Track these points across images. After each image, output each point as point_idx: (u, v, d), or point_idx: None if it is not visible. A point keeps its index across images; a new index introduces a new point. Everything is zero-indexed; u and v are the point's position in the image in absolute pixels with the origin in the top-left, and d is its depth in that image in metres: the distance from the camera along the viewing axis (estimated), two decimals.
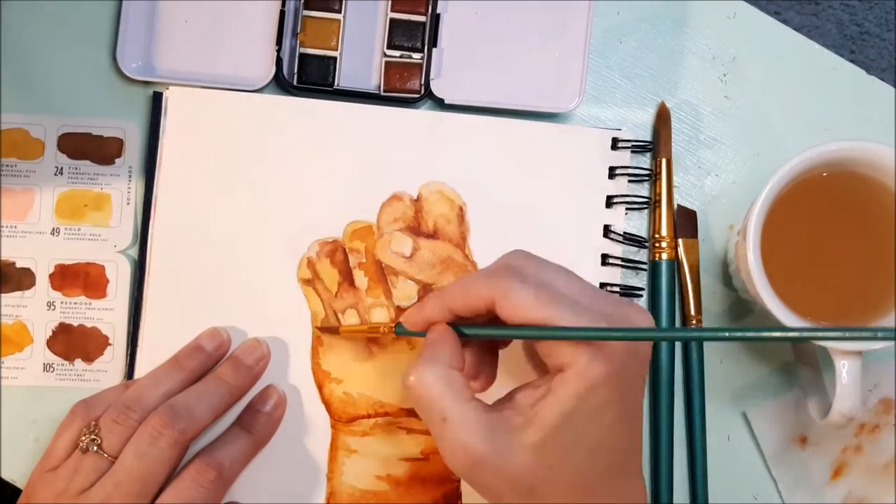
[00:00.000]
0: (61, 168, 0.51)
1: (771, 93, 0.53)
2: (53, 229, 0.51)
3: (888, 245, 0.47)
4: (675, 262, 0.52)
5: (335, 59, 0.52)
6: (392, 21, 0.52)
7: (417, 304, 0.43)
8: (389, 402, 0.50)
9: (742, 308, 0.52)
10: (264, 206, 0.50)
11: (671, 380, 0.51)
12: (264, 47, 0.51)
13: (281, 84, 0.52)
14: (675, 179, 0.53)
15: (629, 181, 0.51)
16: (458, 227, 0.51)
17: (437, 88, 0.51)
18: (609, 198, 0.51)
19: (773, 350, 0.52)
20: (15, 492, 0.49)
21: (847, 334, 0.35)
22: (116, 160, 0.52)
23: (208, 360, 0.48)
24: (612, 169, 0.51)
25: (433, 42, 0.52)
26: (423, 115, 0.51)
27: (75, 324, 0.51)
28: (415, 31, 0.52)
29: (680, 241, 0.52)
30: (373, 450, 0.49)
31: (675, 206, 0.52)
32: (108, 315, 0.51)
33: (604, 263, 0.51)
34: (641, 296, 0.52)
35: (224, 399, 0.47)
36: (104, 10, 0.52)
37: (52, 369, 0.51)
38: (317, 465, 0.49)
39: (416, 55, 0.52)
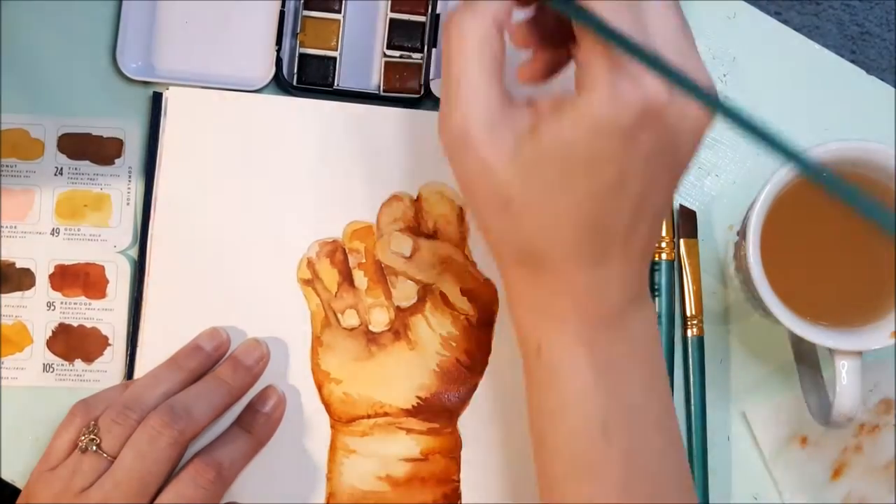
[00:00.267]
0: (61, 168, 0.51)
1: (771, 93, 0.53)
2: (53, 229, 0.51)
3: (888, 245, 0.47)
4: (674, 263, 0.52)
5: (335, 59, 0.52)
6: (392, 21, 0.52)
7: None
8: (389, 403, 0.50)
9: (742, 308, 0.52)
10: (264, 206, 0.50)
11: (671, 380, 0.51)
12: (264, 47, 0.51)
13: (281, 84, 0.52)
14: None
15: None
16: (458, 228, 0.51)
17: (437, 88, 0.51)
18: None
19: (773, 350, 0.52)
20: (15, 492, 0.49)
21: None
22: (116, 160, 0.52)
23: (208, 360, 0.48)
24: None
25: (433, 42, 0.51)
26: (423, 116, 0.51)
27: (75, 324, 0.51)
28: (415, 32, 0.52)
29: (681, 241, 0.52)
30: (372, 450, 0.49)
31: (677, 206, 0.52)
32: (107, 315, 0.51)
33: None
34: None
35: (223, 399, 0.47)
36: (104, 11, 0.52)
37: (51, 369, 0.51)
38: (316, 466, 0.49)
39: (416, 55, 0.52)
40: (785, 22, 0.56)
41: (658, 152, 0.35)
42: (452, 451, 0.50)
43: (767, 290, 0.45)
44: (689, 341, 0.51)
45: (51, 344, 0.51)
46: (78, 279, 0.51)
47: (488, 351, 0.50)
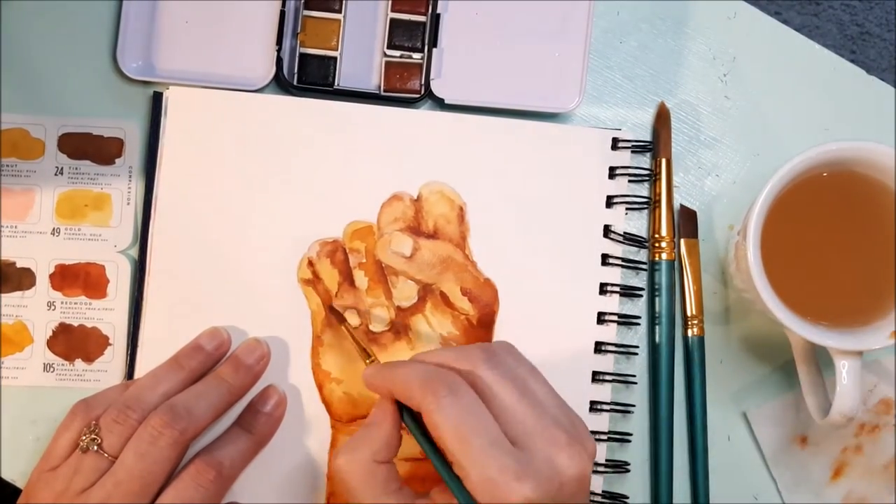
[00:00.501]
0: (61, 168, 0.51)
1: (771, 93, 0.53)
2: (54, 229, 0.51)
3: (888, 245, 0.47)
4: (674, 262, 0.52)
5: (335, 59, 0.52)
6: (392, 21, 0.52)
7: (377, 367, 0.43)
8: None
9: (742, 308, 0.52)
10: (264, 206, 0.50)
11: (671, 380, 0.51)
12: (264, 47, 0.51)
13: (281, 84, 0.52)
14: (676, 179, 0.53)
15: (629, 181, 0.51)
16: (458, 227, 0.51)
17: (438, 88, 0.51)
18: (609, 198, 0.51)
19: (773, 350, 0.52)
20: (15, 491, 0.49)
21: None
22: (116, 160, 0.52)
23: (208, 359, 0.48)
24: (612, 169, 0.51)
25: (433, 42, 0.52)
26: (423, 115, 0.51)
27: (75, 324, 0.51)
28: (415, 31, 0.52)
29: (681, 241, 0.52)
30: None
31: (678, 206, 0.52)
32: (108, 315, 0.51)
33: (604, 263, 0.51)
34: (641, 296, 0.52)
35: (224, 399, 0.47)
36: (104, 11, 0.52)
37: (52, 369, 0.51)
38: (317, 465, 0.49)
39: (417, 55, 0.52)
40: (785, 22, 0.56)
41: None
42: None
43: (768, 290, 0.45)
44: (690, 341, 0.51)
45: (51, 344, 0.51)
46: (78, 279, 0.51)
47: None
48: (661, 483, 0.51)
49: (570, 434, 0.40)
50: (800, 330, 0.45)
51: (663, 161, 0.52)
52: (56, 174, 0.51)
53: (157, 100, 0.51)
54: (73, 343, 0.51)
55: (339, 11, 0.52)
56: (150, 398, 0.46)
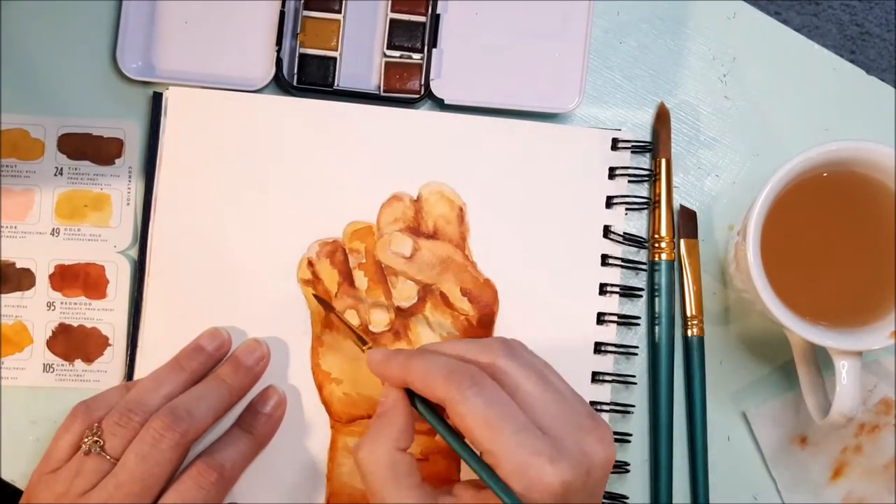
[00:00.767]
0: (61, 168, 0.51)
1: (771, 93, 0.53)
2: (53, 230, 0.51)
3: (888, 245, 0.47)
4: (674, 263, 0.52)
5: (335, 59, 0.52)
6: (392, 21, 0.52)
7: (386, 354, 0.43)
8: None
9: (742, 308, 0.52)
10: (264, 206, 0.50)
11: (671, 380, 0.51)
12: (264, 48, 0.51)
13: (281, 84, 0.52)
14: (675, 180, 0.53)
15: (629, 181, 0.51)
16: (457, 228, 0.51)
17: (437, 89, 0.51)
18: (609, 198, 0.51)
19: (772, 350, 0.52)
20: (16, 492, 0.49)
21: None
22: (116, 160, 0.52)
23: (209, 360, 0.48)
24: (612, 169, 0.51)
25: (433, 42, 0.52)
26: (422, 116, 0.51)
27: (75, 324, 0.51)
28: (415, 32, 0.52)
29: (681, 241, 0.52)
30: None
31: (678, 206, 0.52)
32: (107, 315, 0.51)
33: (604, 264, 0.51)
34: (641, 296, 0.52)
35: (224, 400, 0.47)
36: (104, 11, 0.52)
37: (51, 370, 0.51)
38: (317, 466, 0.49)
39: (416, 55, 0.52)
40: (785, 22, 0.56)
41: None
42: (452, 452, 0.50)
43: (767, 290, 0.45)
44: (690, 341, 0.51)
45: (51, 344, 0.51)
46: (78, 279, 0.51)
47: None
48: (661, 483, 0.51)
49: (595, 420, 0.40)
50: (799, 330, 0.45)
51: (663, 161, 0.52)
52: (56, 174, 0.51)
53: (156, 100, 0.51)
54: (73, 343, 0.51)
55: (339, 12, 0.52)
56: (152, 400, 0.46)
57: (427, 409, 0.42)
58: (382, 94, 0.52)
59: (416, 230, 0.51)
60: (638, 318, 0.51)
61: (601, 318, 0.50)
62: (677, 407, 0.51)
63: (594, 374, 0.50)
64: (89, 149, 0.52)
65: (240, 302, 0.50)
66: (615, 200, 0.51)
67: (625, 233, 0.51)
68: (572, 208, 0.51)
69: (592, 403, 0.50)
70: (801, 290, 0.47)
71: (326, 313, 0.50)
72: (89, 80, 0.52)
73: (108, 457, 0.44)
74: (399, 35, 0.52)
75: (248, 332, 0.50)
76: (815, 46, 0.54)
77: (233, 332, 0.50)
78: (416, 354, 0.42)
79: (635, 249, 0.52)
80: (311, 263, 0.50)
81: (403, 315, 0.50)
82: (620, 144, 0.51)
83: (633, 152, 0.52)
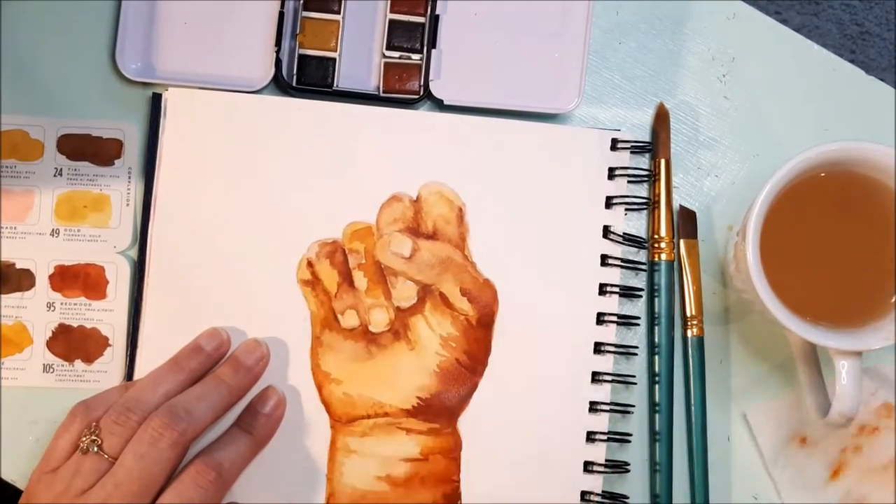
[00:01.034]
0: (61, 169, 0.51)
1: (770, 93, 0.53)
2: (53, 230, 0.51)
3: (888, 245, 0.47)
4: (673, 263, 0.52)
5: (334, 60, 0.52)
6: (391, 22, 0.52)
7: None
8: (389, 403, 0.50)
9: (742, 308, 0.52)
10: (263, 207, 0.50)
11: (671, 380, 0.51)
12: (263, 48, 0.52)
13: (280, 85, 0.52)
14: (675, 180, 0.53)
15: (628, 182, 0.51)
16: (457, 228, 0.51)
17: (437, 89, 0.51)
18: (608, 198, 0.51)
19: (772, 350, 0.52)
20: (16, 492, 0.49)
21: None
22: (116, 161, 0.52)
23: (208, 360, 0.48)
24: (611, 170, 0.51)
25: (432, 43, 0.52)
26: (422, 116, 0.51)
27: (75, 324, 0.51)
28: (414, 32, 0.52)
29: (681, 241, 0.52)
30: (372, 450, 0.49)
31: (677, 207, 0.52)
32: (107, 316, 0.51)
33: (603, 264, 0.51)
34: (641, 296, 0.52)
35: (224, 400, 0.47)
36: (103, 12, 0.52)
37: (51, 370, 0.51)
38: (317, 466, 0.49)
39: (416, 56, 0.52)
40: (784, 22, 0.56)
41: None
42: (452, 451, 0.50)
43: (767, 290, 0.45)
44: (689, 341, 0.51)
45: (51, 344, 0.51)
46: (78, 280, 0.51)
47: (488, 351, 0.50)
48: (661, 483, 0.50)
49: None
50: (799, 330, 0.45)
51: (662, 161, 0.52)
52: (55, 175, 0.51)
53: (156, 101, 0.51)
54: (73, 344, 0.51)
55: (338, 12, 0.52)
56: (150, 399, 0.46)
57: None
58: (382, 94, 0.52)
59: (415, 230, 0.51)
60: (638, 318, 0.51)
61: (601, 319, 0.50)
62: (677, 407, 0.51)
63: (594, 374, 0.50)
64: (89, 149, 0.52)
65: (239, 302, 0.50)
66: (615, 201, 0.51)
67: (624, 233, 0.51)
68: (572, 209, 0.51)
69: (592, 403, 0.50)
70: (801, 290, 0.47)
71: (326, 314, 0.50)
72: (89, 80, 0.52)
73: (107, 456, 0.44)
74: (398, 36, 0.52)
75: (248, 332, 0.50)
76: (814, 46, 0.54)
77: (232, 332, 0.50)
78: None
79: (635, 250, 0.52)
80: (310, 264, 0.50)
81: (403, 315, 0.50)
82: (620, 145, 0.51)
83: (632, 152, 0.52)
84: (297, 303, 0.50)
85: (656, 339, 0.51)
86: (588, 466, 0.50)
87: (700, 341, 0.51)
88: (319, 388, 0.50)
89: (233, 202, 0.50)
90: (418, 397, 0.50)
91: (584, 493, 0.50)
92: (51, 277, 0.51)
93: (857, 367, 0.45)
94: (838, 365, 0.46)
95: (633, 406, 0.51)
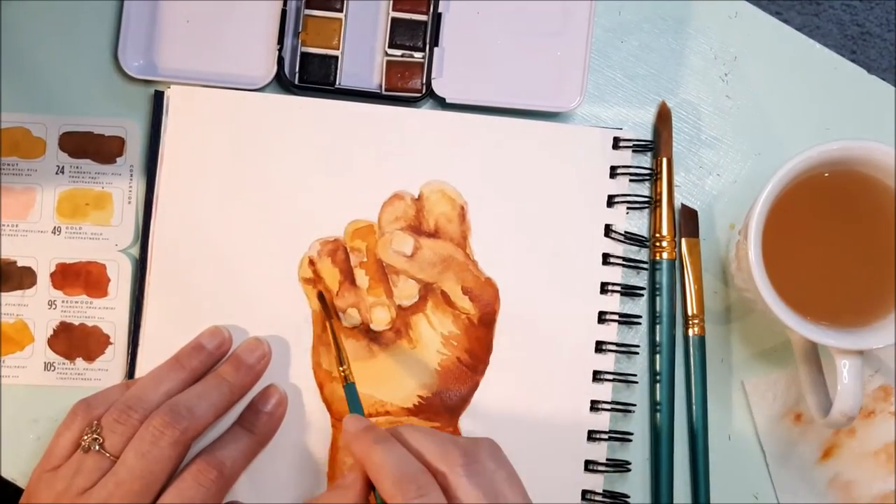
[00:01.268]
0: (62, 167, 0.51)
1: (772, 92, 0.53)
2: (54, 228, 0.51)
3: (889, 245, 0.47)
4: (675, 262, 0.52)
5: (337, 58, 0.52)
6: (393, 20, 0.52)
7: (358, 428, 0.43)
8: (390, 402, 0.50)
9: (743, 307, 0.52)
10: (265, 204, 0.50)
11: (672, 379, 0.51)
12: (266, 46, 0.51)
13: (282, 83, 0.52)
14: (677, 179, 0.53)
15: (630, 180, 0.51)
16: (459, 227, 0.51)
17: (439, 88, 0.51)
18: (610, 197, 0.51)
19: (774, 349, 0.52)
20: (17, 491, 0.49)
21: None
22: (118, 159, 0.52)
23: (209, 358, 0.48)
24: (613, 168, 0.51)
25: (434, 41, 0.52)
26: (424, 115, 0.51)
27: (76, 322, 0.51)
28: (416, 31, 0.52)
29: (682, 240, 0.52)
30: None
31: (679, 205, 0.52)
32: (109, 314, 0.51)
33: (605, 263, 0.51)
34: (642, 295, 0.52)
35: (225, 398, 0.47)
36: (105, 9, 0.52)
37: (53, 368, 0.51)
38: (317, 465, 0.49)
39: (418, 54, 0.52)
40: (786, 22, 0.56)
41: None
42: None
43: (768, 289, 0.45)
44: (691, 341, 0.51)
45: (52, 342, 0.51)
46: (79, 278, 0.51)
47: (489, 350, 0.50)
48: (661, 483, 0.51)
49: None
50: (801, 329, 0.45)
51: (664, 160, 0.52)
52: (57, 173, 0.51)
53: (158, 99, 0.51)
54: (74, 342, 0.51)
55: (341, 10, 0.52)
56: (151, 398, 0.46)
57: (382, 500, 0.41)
58: (384, 92, 0.52)
59: (417, 229, 0.51)
60: (639, 317, 0.51)
61: (602, 317, 0.50)
62: (678, 406, 0.51)
63: (595, 372, 0.50)
64: (91, 147, 0.52)
65: (241, 300, 0.50)
66: (616, 199, 0.51)
67: (626, 232, 0.51)
68: (574, 207, 0.51)
69: (593, 402, 0.50)
70: (803, 289, 0.47)
71: (324, 316, 0.50)
72: (91, 78, 0.52)
73: (108, 454, 0.44)
74: (401, 34, 0.52)
75: (249, 330, 0.50)
76: (816, 46, 0.54)
77: (234, 330, 0.50)
78: (380, 441, 0.42)
79: (636, 248, 0.52)
80: (312, 262, 0.50)
81: (405, 314, 0.50)
82: (622, 143, 0.51)
83: (634, 151, 0.52)
84: (299, 301, 0.50)
85: (657, 338, 0.51)
86: (589, 465, 0.50)
87: (701, 340, 0.51)
88: (321, 387, 0.50)
89: (234, 200, 0.50)
90: (419, 396, 0.50)
91: (584, 493, 0.50)
92: (52, 275, 0.51)
93: (859, 366, 0.45)
94: (839, 364, 0.46)
95: (635, 405, 0.51)
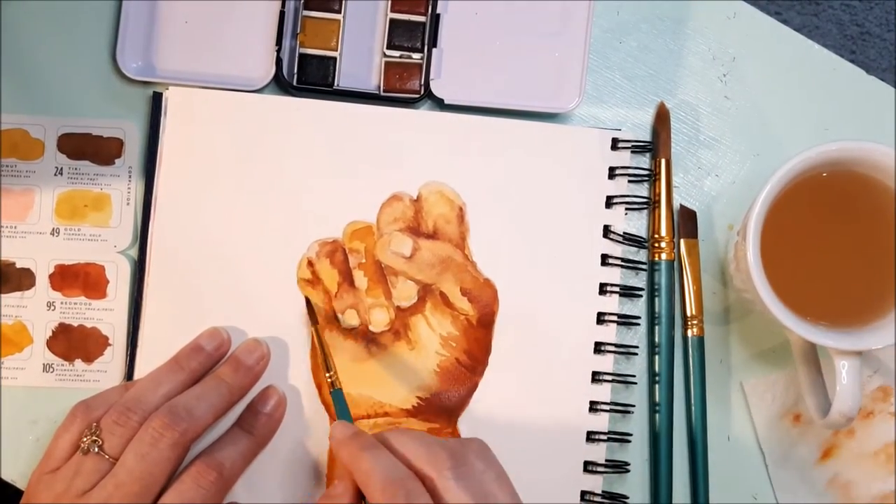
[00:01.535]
0: (61, 168, 0.51)
1: (771, 93, 0.53)
2: (53, 229, 0.51)
3: (888, 245, 0.47)
4: (674, 263, 0.52)
5: (335, 59, 0.52)
6: (392, 21, 0.52)
7: (345, 435, 0.43)
8: (389, 403, 0.50)
9: (742, 308, 0.52)
10: (264, 206, 0.50)
11: (671, 380, 0.51)
12: (264, 47, 0.51)
13: (281, 84, 0.52)
14: (675, 179, 0.53)
15: (629, 181, 0.51)
16: (457, 228, 0.51)
17: (437, 89, 0.51)
18: (609, 198, 0.51)
19: (772, 350, 0.52)
20: (16, 492, 0.49)
21: None
22: (116, 160, 0.52)
23: (208, 360, 0.48)
24: (611, 169, 0.51)
25: (433, 42, 0.52)
26: (422, 116, 0.51)
27: (75, 324, 0.51)
28: (414, 32, 0.52)
29: (681, 241, 0.52)
30: None
31: (678, 206, 0.52)
32: (107, 315, 0.51)
33: (603, 263, 0.51)
34: (641, 296, 0.52)
35: (224, 399, 0.47)
36: (104, 11, 0.52)
37: (51, 370, 0.51)
38: (317, 466, 0.49)
39: (416, 55, 0.52)
40: (785, 22, 0.56)
41: None
42: None
43: (767, 290, 0.45)
44: (690, 341, 0.51)
45: (51, 344, 0.51)
46: (78, 279, 0.51)
47: (488, 351, 0.50)
48: (661, 483, 0.50)
49: None
50: (799, 330, 0.45)
51: (663, 161, 0.52)
52: (56, 174, 0.51)
53: (156, 100, 0.51)
54: (73, 343, 0.51)
55: (339, 12, 0.52)
56: (150, 399, 0.46)
57: None
58: (382, 93, 0.52)
59: (415, 230, 0.51)
60: (638, 317, 0.51)
61: (601, 318, 0.50)
62: (677, 406, 0.51)
63: (594, 373, 0.50)
64: (89, 149, 0.52)
65: (240, 302, 0.50)
66: (615, 200, 0.51)
67: (625, 233, 0.51)
68: (572, 208, 0.51)
69: (592, 403, 0.50)
70: (801, 290, 0.47)
71: (326, 313, 0.50)
72: (89, 79, 0.52)
73: (107, 456, 0.44)
74: (399, 35, 0.52)
75: (248, 331, 0.50)
76: (815, 46, 0.54)
77: (233, 331, 0.50)
78: (367, 448, 0.41)
79: (635, 249, 0.52)
80: (311, 263, 0.50)
81: (403, 315, 0.50)
82: (620, 144, 0.51)
83: (633, 152, 0.52)
84: (298, 302, 0.50)
85: (656, 339, 0.51)
86: (588, 466, 0.50)
87: (700, 341, 0.51)
88: (319, 388, 0.50)
89: (233, 201, 0.50)
90: (418, 397, 0.50)
91: (584, 493, 0.50)
92: (51, 277, 0.51)
93: (858, 366, 0.45)
94: (838, 365, 0.46)
95: (634, 406, 0.51)
